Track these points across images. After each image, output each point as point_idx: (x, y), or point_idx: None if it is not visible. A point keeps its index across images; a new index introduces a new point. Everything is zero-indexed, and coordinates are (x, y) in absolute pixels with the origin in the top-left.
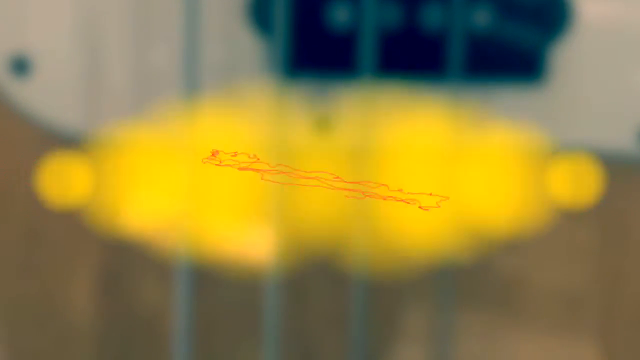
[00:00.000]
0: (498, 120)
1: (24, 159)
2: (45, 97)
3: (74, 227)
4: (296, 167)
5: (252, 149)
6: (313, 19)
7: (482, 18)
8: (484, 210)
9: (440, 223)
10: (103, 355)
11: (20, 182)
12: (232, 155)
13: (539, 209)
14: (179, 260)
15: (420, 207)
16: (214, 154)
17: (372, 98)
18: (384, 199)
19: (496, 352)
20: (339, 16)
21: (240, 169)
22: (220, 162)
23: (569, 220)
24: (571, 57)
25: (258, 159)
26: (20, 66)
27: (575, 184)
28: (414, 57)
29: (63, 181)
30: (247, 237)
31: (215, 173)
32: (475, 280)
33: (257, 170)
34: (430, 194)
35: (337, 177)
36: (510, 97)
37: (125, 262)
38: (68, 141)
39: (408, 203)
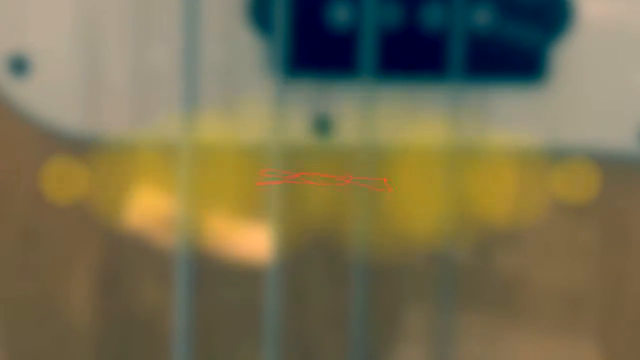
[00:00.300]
0: (498, 119)
1: (24, 159)
2: (45, 97)
3: (73, 227)
4: (296, 167)
5: (252, 149)
6: (313, 19)
7: (482, 18)
8: (484, 210)
9: (440, 223)
10: (102, 355)
11: (20, 182)
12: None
13: (540, 209)
14: (178, 260)
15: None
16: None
17: (372, 98)
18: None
19: (497, 352)
20: (339, 16)
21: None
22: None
23: (569, 220)
24: (572, 56)
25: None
26: (20, 66)
27: (576, 183)
28: (414, 56)
29: (62, 181)
30: (247, 237)
31: (216, 173)
32: (475, 280)
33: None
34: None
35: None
36: (511, 96)
37: (125, 262)
38: (67, 141)
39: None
